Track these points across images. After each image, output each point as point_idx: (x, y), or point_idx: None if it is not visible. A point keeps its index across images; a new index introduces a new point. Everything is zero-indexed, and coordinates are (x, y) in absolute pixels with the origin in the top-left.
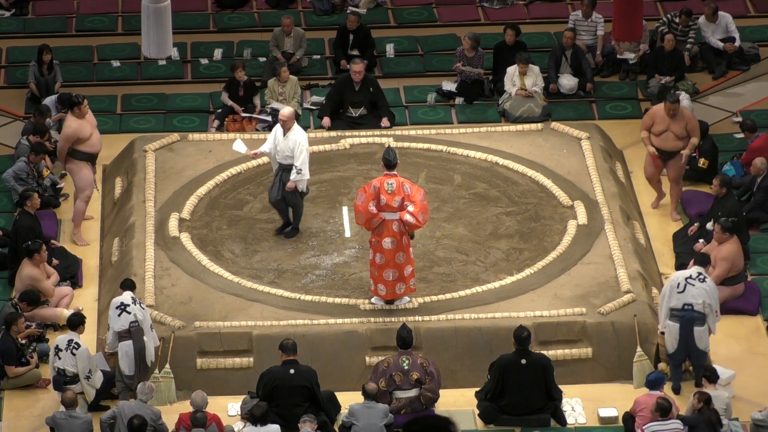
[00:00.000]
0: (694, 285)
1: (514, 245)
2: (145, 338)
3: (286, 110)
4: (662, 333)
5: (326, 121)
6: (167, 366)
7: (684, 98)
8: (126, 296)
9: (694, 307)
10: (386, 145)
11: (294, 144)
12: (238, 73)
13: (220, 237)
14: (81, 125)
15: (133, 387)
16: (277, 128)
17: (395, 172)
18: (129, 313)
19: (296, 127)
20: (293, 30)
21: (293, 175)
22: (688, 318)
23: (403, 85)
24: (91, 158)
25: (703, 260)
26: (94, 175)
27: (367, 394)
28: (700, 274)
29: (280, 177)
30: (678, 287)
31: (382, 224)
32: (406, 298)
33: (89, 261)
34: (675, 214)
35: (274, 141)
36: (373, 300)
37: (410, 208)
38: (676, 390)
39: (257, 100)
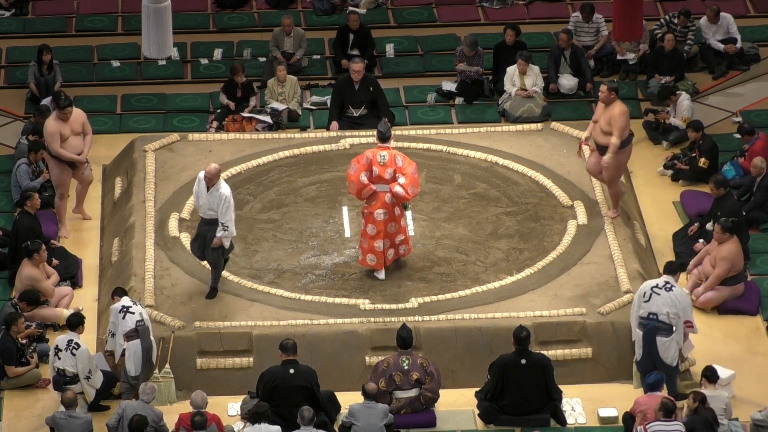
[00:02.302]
0: (659, 294)
1: (514, 245)
2: (151, 337)
3: (212, 167)
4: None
5: (334, 125)
6: (167, 366)
7: (684, 98)
8: (125, 300)
9: (659, 317)
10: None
11: (219, 200)
12: (237, 77)
13: None
14: (60, 126)
15: (138, 388)
16: (200, 182)
17: (388, 145)
18: (133, 313)
19: (221, 182)
20: (293, 30)
21: (219, 232)
22: (651, 327)
23: (403, 85)
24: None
25: (672, 268)
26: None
27: (367, 394)
28: (667, 283)
29: (200, 232)
30: (644, 296)
31: (374, 195)
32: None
33: (89, 261)
34: (611, 212)
35: (196, 196)
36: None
37: (401, 180)
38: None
39: (252, 101)
